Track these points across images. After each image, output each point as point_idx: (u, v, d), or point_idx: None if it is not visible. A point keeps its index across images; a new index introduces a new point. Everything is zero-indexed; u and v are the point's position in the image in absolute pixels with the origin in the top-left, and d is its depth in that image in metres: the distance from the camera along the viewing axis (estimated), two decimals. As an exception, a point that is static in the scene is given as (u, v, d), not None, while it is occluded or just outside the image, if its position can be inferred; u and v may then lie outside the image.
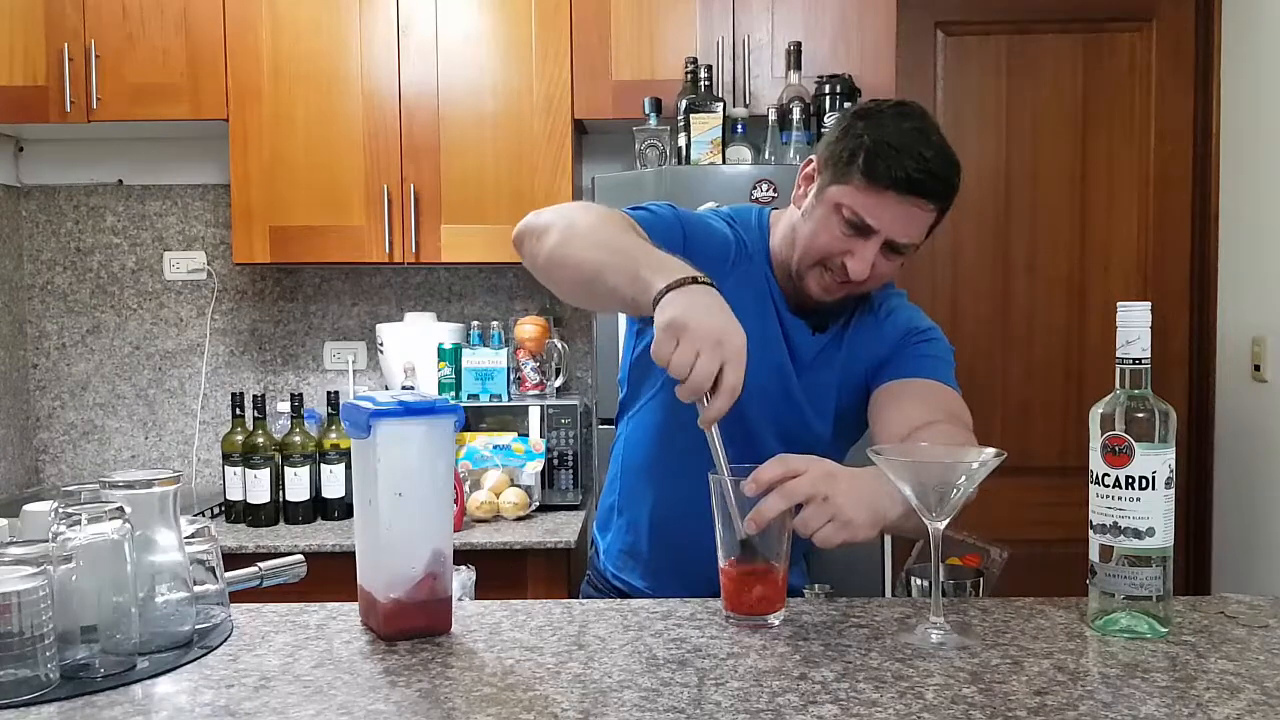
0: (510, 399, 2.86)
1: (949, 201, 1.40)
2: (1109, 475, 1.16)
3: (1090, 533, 1.19)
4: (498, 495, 2.70)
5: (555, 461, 2.80)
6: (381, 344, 2.99)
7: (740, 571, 1.20)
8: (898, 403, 1.42)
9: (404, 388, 2.87)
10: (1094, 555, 1.18)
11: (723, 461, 1.18)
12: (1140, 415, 1.15)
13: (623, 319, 1.73)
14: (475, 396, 2.85)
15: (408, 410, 1.15)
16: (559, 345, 2.96)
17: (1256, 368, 2.87)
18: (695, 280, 1.18)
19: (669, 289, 1.17)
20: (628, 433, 1.60)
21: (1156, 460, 1.15)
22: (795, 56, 2.70)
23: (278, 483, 2.70)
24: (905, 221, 1.37)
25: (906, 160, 1.34)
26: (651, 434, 1.55)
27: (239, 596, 1.26)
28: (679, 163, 2.66)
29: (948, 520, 1.15)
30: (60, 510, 1.04)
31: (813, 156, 1.47)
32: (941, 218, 1.41)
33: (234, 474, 2.68)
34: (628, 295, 1.23)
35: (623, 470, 1.61)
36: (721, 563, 1.22)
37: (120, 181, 3.22)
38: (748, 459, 1.20)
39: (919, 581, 1.41)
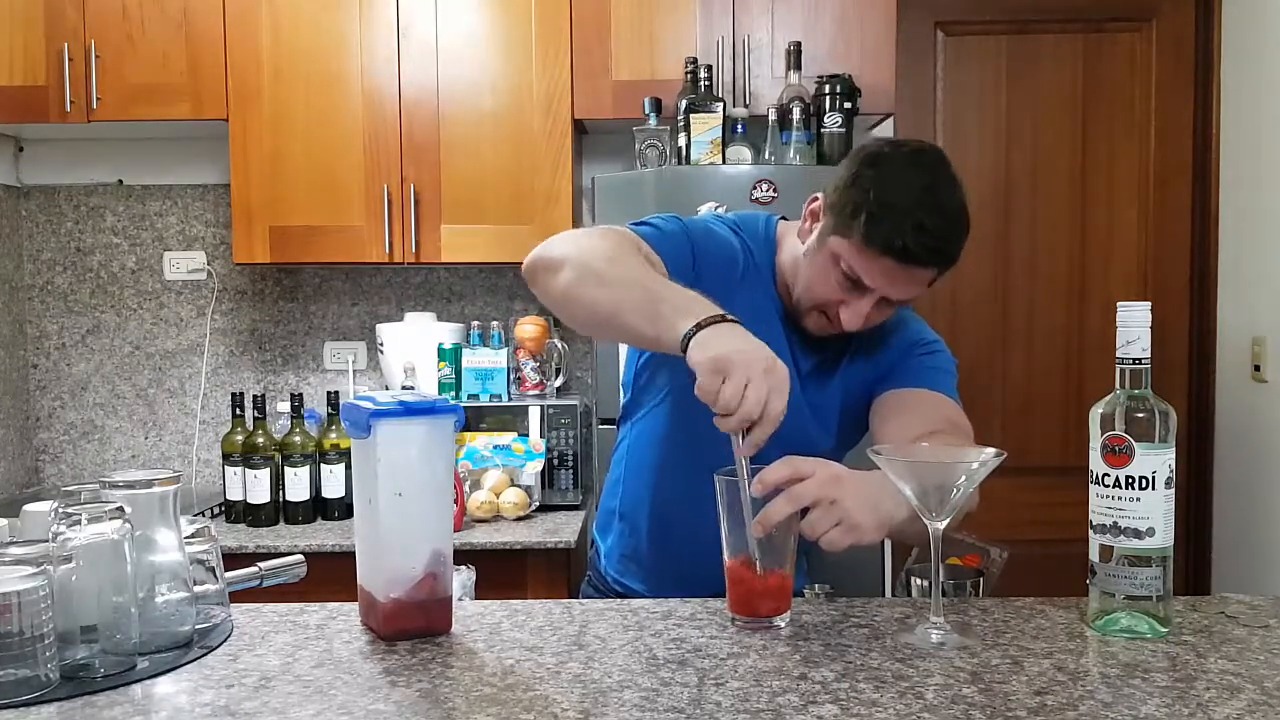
0: (510, 399, 2.86)
1: (950, 265, 1.38)
2: (1109, 475, 1.16)
3: (1090, 533, 1.19)
4: (498, 495, 2.70)
5: (555, 461, 2.80)
6: (381, 344, 2.99)
7: (746, 574, 1.20)
8: (900, 412, 1.43)
9: (404, 388, 2.87)
10: (1094, 555, 1.18)
11: (743, 467, 1.18)
12: (1140, 415, 1.15)
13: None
14: (475, 396, 2.84)
15: (408, 410, 1.15)
16: (559, 345, 2.96)
17: (1256, 368, 2.87)
18: (724, 318, 1.18)
19: (699, 327, 1.17)
20: (631, 438, 1.60)
21: (1156, 460, 1.15)
22: (795, 56, 2.70)
23: (278, 483, 2.70)
24: (902, 283, 1.37)
25: (907, 228, 1.31)
26: (655, 440, 1.54)
27: (239, 596, 1.26)
28: (679, 163, 2.66)
29: (948, 520, 1.15)
30: (60, 510, 1.04)
31: (819, 194, 1.44)
32: (943, 274, 1.40)
33: (234, 474, 2.68)
34: (649, 334, 1.23)
35: (625, 475, 1.60)
36: (727, 564, 1.22)
37: (120, 181, 3.22)
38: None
39: (919, 581, 1.41)
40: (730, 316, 1.19)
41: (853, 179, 1.37)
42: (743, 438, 1.15)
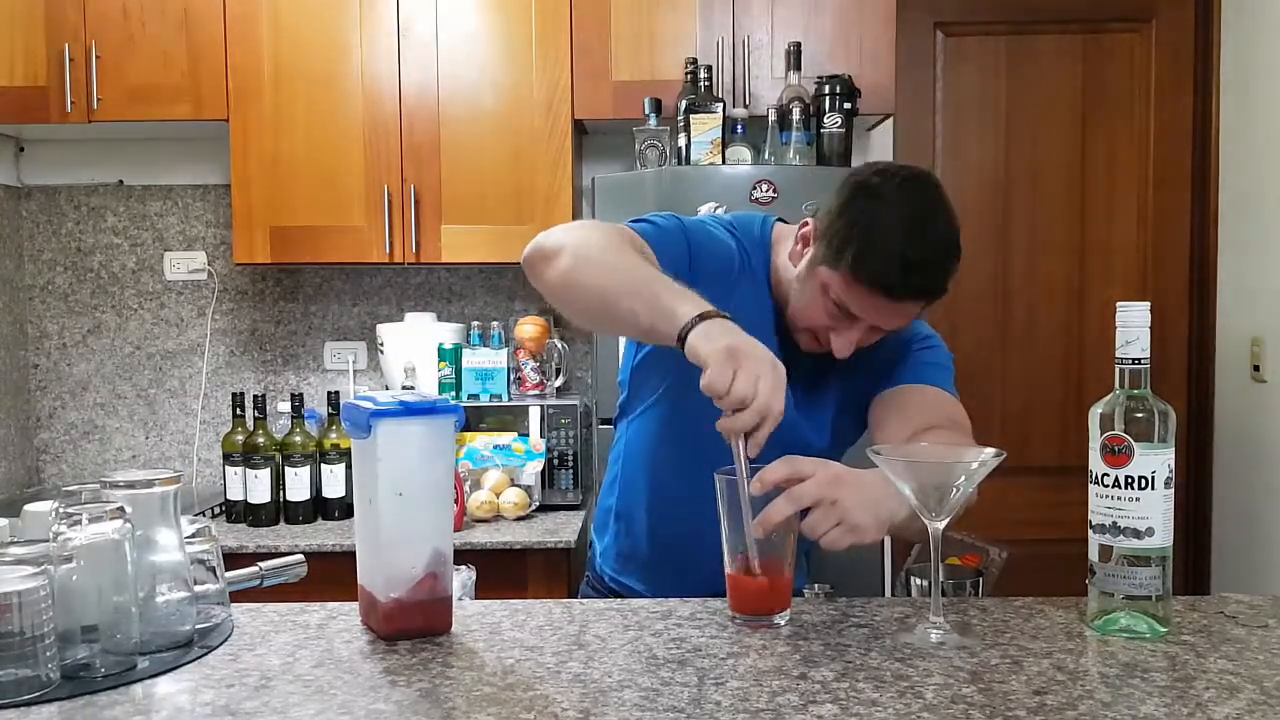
0: (510, 399, 2.86)
1: (938, 298, 1.37)
2: (1108, 475, 1.16)
3: (1090, 533, 1.19)
4: (498, 495, 2.70)
5: (555, 461, 2.80)
6: (382, 344, 2.99)
7: (746, 572, 1.20)
8: (898, 409, 1.43)
9: (404, 388, 2.87)
10: (1093, 555, 1.19)
11: (744, 468, 1.18)
12: (1139, 415, 1.15)
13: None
14: (475, 396, 2.85)
15: (408, 410, 1.15)
16: (559, 345, 2.96)
17: (1256, 368, 2.87)
18: (723, 316, 1.19)
19: (700, 319, 1.17)
20: (628, 436, 1.60)
21: (1156, 460, 1.15)
22: (795, 57, 2.70)
23: (278, 482, 2.71)
24: (890, 316, 1.37)
25: (894, 267, 1.30)
26: (652, 438, 1.55)
27: (239, 596, 1.26)
28: (679, 163, 2.67)
29: (948, 520, 1.15)
30: (61, 510, 1.04)
31: (809, 220, 1.43)
32: (932, 303, 1.39)
33: (234, 474, 2.68)
34: (645, 322, 1.23)
35: (621, 473, 1.61)
36: (727, 563, 1.22)
37: (121, 182, 3.22)
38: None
39: (919, 581, 1.41)
40: (728, 315, 1.20)
41: (842, 208, 1.36)
42: (745, 439, 1.15)
